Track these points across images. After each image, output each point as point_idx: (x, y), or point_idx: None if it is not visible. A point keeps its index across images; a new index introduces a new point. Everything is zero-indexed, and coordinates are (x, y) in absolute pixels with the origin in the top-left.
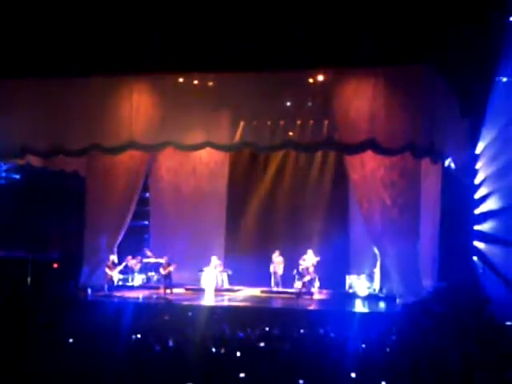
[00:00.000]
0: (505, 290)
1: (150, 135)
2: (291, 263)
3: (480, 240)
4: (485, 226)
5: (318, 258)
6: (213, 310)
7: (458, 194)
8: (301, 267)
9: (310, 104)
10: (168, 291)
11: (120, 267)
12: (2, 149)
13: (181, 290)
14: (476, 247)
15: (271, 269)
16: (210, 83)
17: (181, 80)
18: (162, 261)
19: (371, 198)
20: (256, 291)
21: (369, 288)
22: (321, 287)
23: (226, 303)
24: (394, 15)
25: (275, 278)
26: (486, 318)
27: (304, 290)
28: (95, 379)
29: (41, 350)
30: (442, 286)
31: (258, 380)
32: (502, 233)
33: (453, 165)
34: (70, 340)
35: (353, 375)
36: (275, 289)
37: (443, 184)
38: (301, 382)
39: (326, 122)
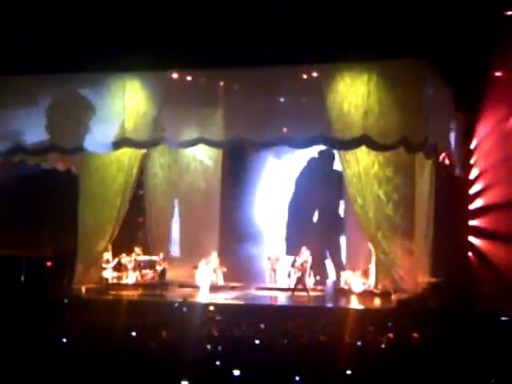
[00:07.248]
0: (499, 286)
1: (143, 132)
2: (286, 259)
3: (475, 235)
4: (480, 221)
5: (311, 255)
6: (207, 308)
7: (452, 189)
8: (296, 264)
9: (303, 100)
10: (163, 288)
11: (112, 264)
12: None
13: (175, 287)
14: (471, 242)
15: (266, 265)
16: (203, 79)
17: (173, 77)
18: (156, 258)
19: (365, 194)
20: (251, 288)
21: (364, 284)
22: (316, 283)
23: (220, 300)
24: (388, 9)
25: (270, 274)
26: (481, 313)
27: (299, 286)
28: (89, 379)
29: (34, 350)
30: (437, 281)
31: (254, 377)
32: (496, 228)
33: (447, 160)
34: (64, 339)
35: (348, 372)
36: (270, 285)
37: (438, 179)
38: (297, 378)
39: (320, 117)
